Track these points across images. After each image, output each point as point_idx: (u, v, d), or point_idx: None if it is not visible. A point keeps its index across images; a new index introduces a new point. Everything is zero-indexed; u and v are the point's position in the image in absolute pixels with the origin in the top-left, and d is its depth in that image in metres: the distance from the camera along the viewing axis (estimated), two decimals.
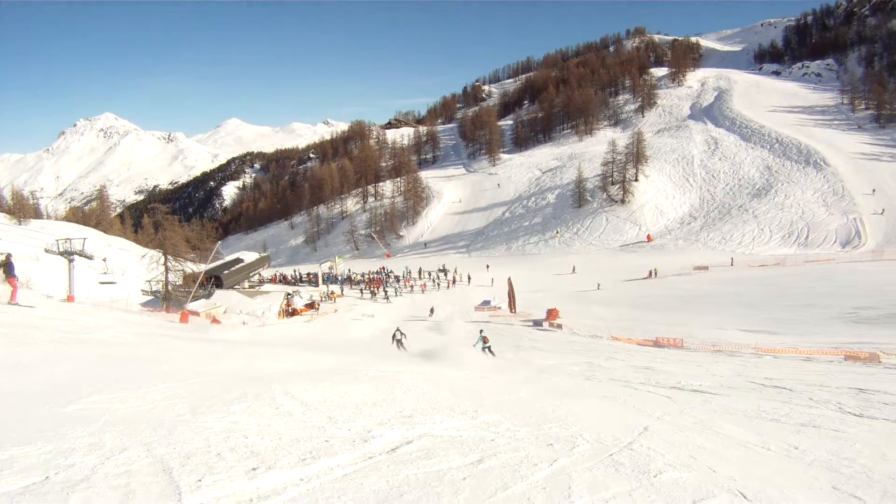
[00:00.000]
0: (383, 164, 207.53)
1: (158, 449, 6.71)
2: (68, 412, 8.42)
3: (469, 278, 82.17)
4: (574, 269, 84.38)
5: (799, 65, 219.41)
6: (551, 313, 52.24)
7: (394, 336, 39.08)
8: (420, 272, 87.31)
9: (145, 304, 55.78)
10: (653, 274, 72.35)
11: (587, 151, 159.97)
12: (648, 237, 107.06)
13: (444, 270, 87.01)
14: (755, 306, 49.35)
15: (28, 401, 9.23)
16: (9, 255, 30.35)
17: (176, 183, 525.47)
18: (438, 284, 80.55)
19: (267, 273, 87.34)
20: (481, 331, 38.12)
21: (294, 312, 60.98)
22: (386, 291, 72.40)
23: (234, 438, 7.38)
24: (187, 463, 6.30)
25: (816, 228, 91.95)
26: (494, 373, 22.17)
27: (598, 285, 68.33)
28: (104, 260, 54.94)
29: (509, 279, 61.46)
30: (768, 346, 32.87)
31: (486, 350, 34.99)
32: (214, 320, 51.47)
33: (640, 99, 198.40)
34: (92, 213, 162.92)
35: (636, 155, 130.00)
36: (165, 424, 7.85)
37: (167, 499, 5.35)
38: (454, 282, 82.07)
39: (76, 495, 5.28)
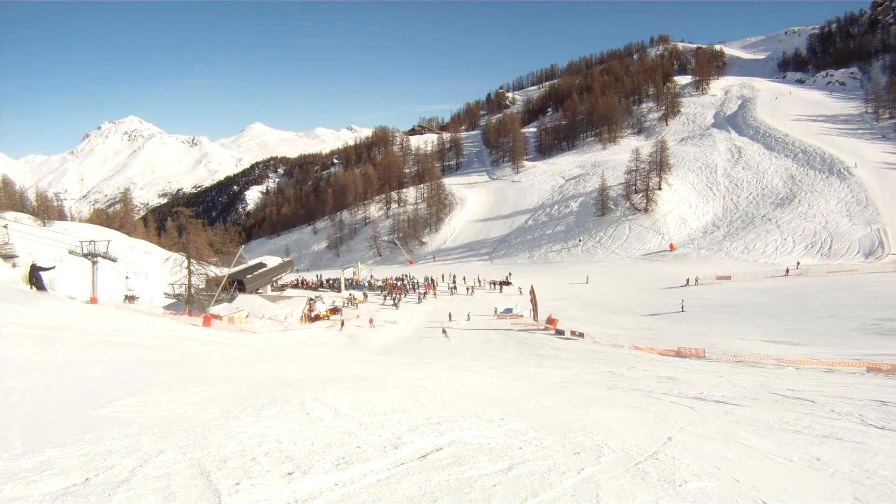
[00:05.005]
0: (407, 171, 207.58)
1: (194, 452, 6.86)
2: (103, 414, 8.58)
3: (500, 286, 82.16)
4: (587, 280, 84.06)
5: (823, 73, 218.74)
6: (551, 321, 52.59)
7: (444, 332, 52.12)
8: (440, 277, 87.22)
9: (168, 307, 56.00)
10: (690, 282, 71.98)
11: (611, 159, 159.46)
12: (671, 246, 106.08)
13: (508, 282, 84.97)
14: (777, 317, 49.08)
15: (62, 402, 9.41)
16: (34, 265, 30.97)
17: (199, 187, 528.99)
18: (469, 290, 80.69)
19: (288, 277, 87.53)
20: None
21: (317, 318, 61.14)
22: (395, 298, 72.50)
23: (267, 443, 7.52)
24: (224, 467, 6.44)
25: (840, 238, 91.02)
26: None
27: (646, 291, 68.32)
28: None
29: (531, 287, 61.35)
30: (790, 357, 32.75)
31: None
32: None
33: (663, 107, 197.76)
34: (116, 215, 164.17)
35: (659, 163, 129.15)
36: (199, 428, 8.00)
37: (207, 501, 5.48)
38: (477, 286, 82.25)
39: (118, 497, 5.42)
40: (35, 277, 31.40)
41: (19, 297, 27.96)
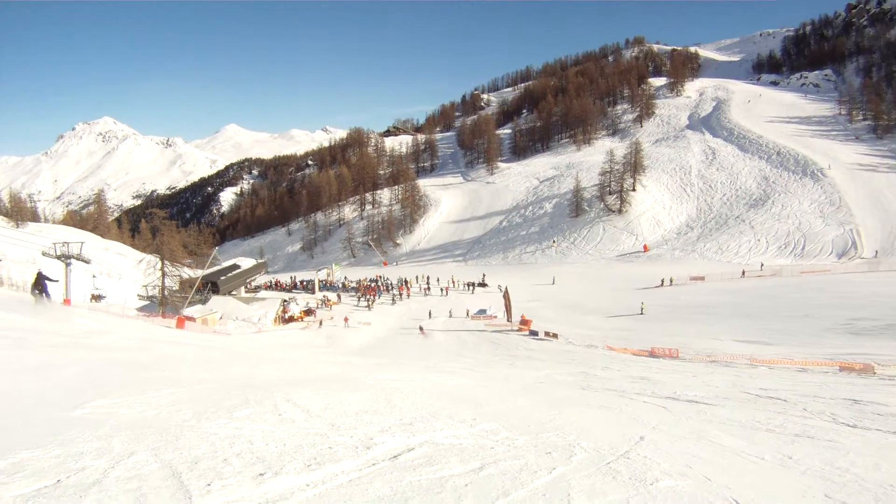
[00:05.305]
0: (381, 172, 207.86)
1: (166, 454, 6.84)
2: (75, 416, 8.53)
3: (472, 287, 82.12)
4: (554, 281, 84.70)
5: (797, 75, 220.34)
6: (525, 321, 52.82)
7: (421, 329, 53.61)
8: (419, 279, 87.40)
9: (141, 309, 55.74)
10: (664, 282, 72.35)
11: (585, 161, 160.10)
12: (645, 247, 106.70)
13: (484, 283, 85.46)
14: (751, 317, 49.28)
15: (34, 404, 9.35)
16: (40, 273, 31.11)
17: (174, 188, 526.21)
18: (444, 290, 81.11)
19: (262, 279, 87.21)
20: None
21: (291, 319, 61.04)
22: (369, 299, 72.76)
23: (239, 444, 7.50)
24: (195, 468, 6.43)
25: (813, 239, 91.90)
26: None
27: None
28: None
29: (505, 289, 61.44)
30: (763, 356, 32.92)
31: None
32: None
33: (638, 109, 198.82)
34: (89, 217, 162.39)
35: (634, 165, 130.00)
36: (171, 430, 7.97)
37: (179, 502, 5.47)
38: (452, 287, 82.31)
39: (89, 498, 5.41)
40: (41, 286, 31.48)
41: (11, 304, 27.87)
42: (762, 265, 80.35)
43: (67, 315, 30.48)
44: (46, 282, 31.19)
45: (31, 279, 32.11)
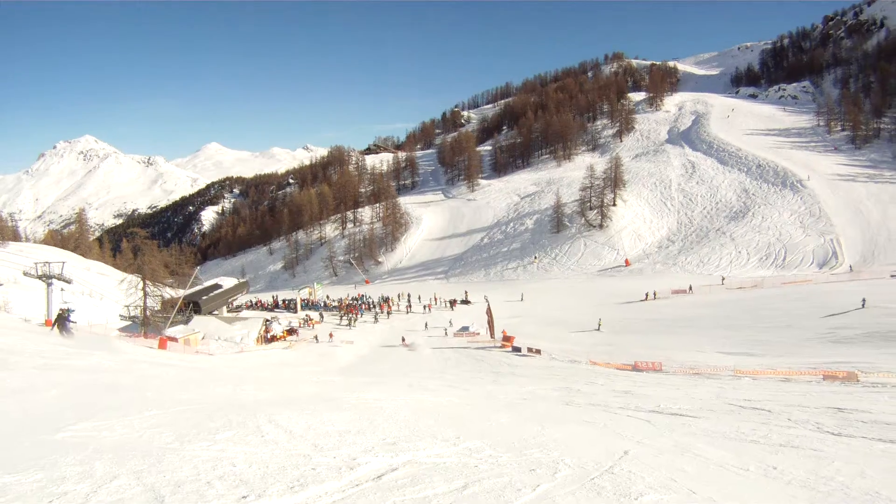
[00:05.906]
0: (362, 190, 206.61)
1: (149, 477, 6.79)
2: (57, 439, 8.47)
3: (451, 304, 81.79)
4: (522, 297, 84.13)
5: (775, 88, 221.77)
6: (507, 338, 52.82)
7: (403, 339, 56.73)
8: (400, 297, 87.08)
9: (123, 330, 55.35)
10: (649, 296, 72.11)
11: (565, 177, 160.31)
12: (626, 261, 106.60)
13: (468, 301, 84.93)
14: (734, 328, 49.43)
15: (16, 428, 9.28)
16: (65, 311, 31.98)
17: (155, 207, 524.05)
18: (426, 308, 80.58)
19: (244, 298, 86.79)
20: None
21: (273, 339, 60.82)
22: (351, 318, 72.34)
23: (222, 467, 7.46)
24: (178, 491, 6.38)
25: (794, 250, 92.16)
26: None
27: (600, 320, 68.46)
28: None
29: (488, 305, 61.35)
30: (747, 367, 33.07)
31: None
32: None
33: (617, 124, 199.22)
34: (71, 236, 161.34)
35: (614, 180, 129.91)
36: (154, 452, 7.92)
37: None
38: (435, 305, 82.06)
39: None
40: (63, 325, 32.13)
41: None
42: (723, 279, 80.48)
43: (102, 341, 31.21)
44: (68, 322, 32.07)
45: (55, 316, 33.32)
